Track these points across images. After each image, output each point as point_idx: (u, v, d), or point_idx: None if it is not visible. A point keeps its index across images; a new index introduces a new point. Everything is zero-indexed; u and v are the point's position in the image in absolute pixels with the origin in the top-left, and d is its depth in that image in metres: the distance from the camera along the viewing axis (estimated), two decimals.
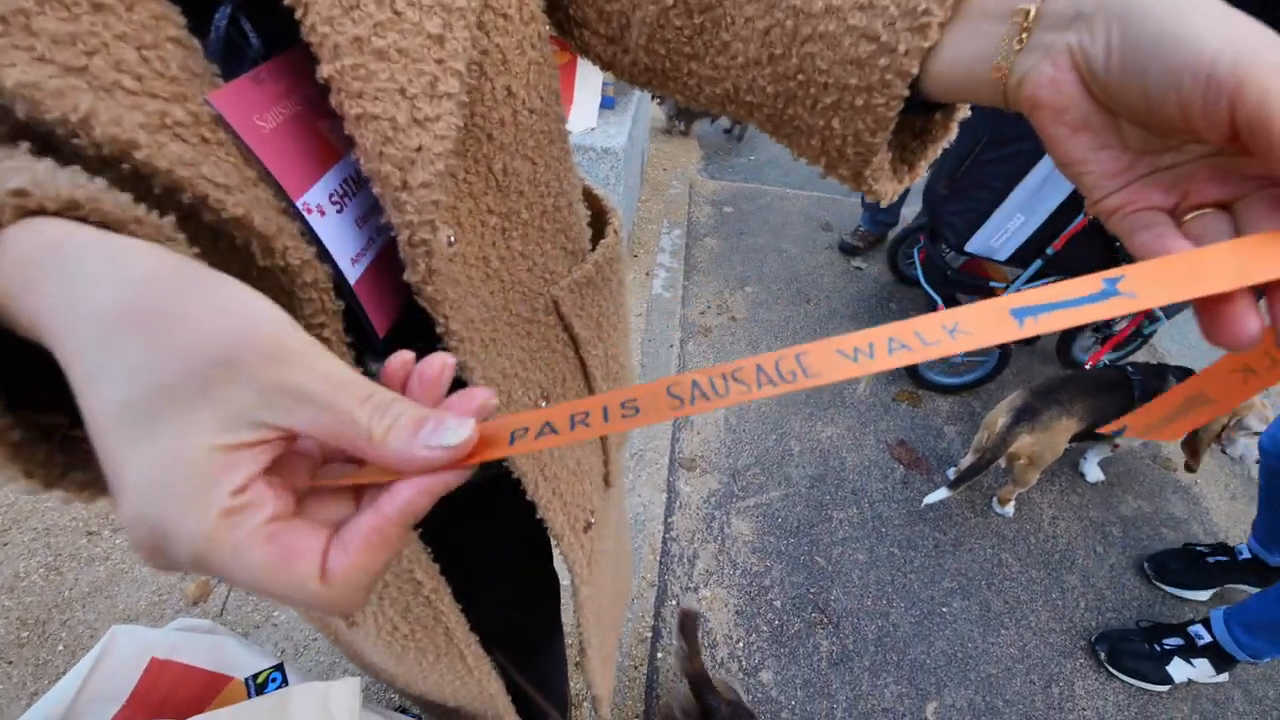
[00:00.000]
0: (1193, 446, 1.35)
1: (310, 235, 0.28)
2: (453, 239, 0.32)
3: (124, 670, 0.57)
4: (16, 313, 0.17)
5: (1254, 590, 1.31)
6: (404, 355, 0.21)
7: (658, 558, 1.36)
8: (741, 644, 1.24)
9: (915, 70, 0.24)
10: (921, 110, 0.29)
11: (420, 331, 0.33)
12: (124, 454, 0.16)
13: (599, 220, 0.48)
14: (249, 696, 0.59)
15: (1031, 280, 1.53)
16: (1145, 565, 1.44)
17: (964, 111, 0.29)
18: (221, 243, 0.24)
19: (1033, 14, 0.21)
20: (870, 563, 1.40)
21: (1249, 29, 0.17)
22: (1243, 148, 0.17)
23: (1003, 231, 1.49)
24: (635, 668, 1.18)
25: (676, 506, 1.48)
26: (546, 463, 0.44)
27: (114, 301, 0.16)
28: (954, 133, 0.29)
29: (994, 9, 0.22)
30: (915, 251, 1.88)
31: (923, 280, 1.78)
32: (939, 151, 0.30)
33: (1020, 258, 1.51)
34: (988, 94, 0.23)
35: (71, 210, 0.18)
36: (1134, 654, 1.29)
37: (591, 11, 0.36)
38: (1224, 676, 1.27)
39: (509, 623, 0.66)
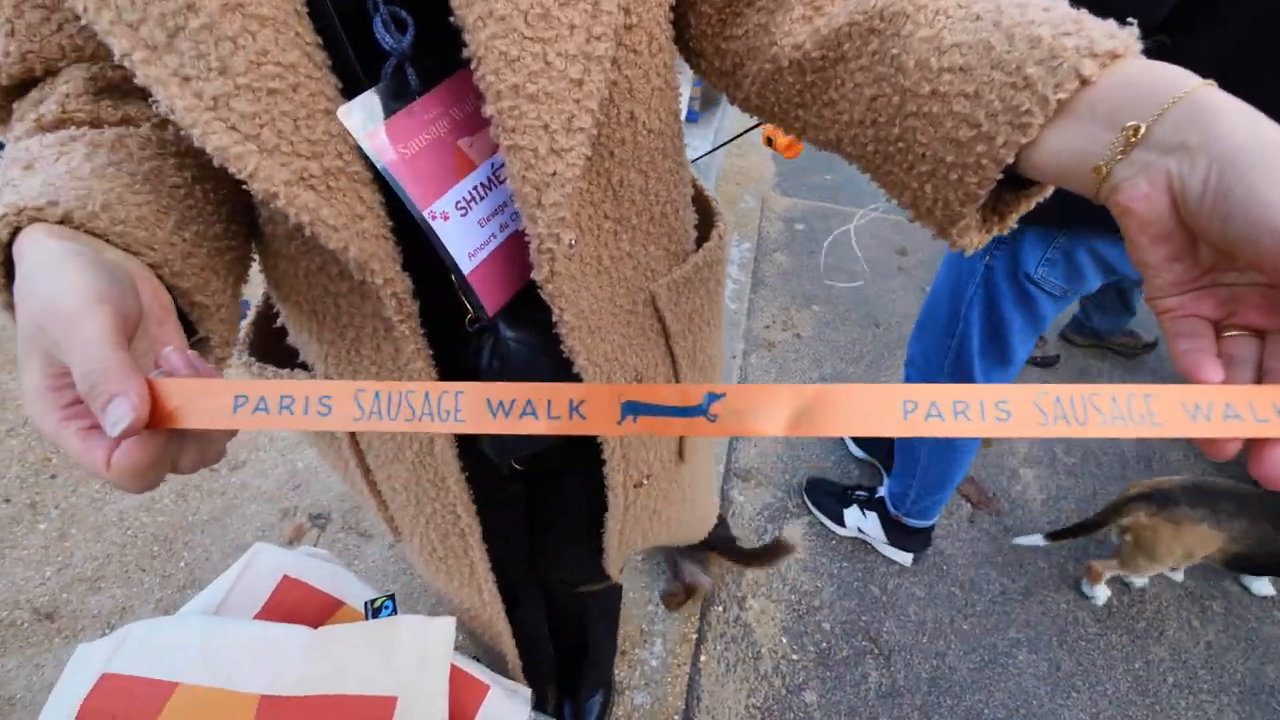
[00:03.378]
0: None
1: (432, 239, 0.35)
2: (573, 241, 0.37)
3: (261, 583, 0.67)
4: None
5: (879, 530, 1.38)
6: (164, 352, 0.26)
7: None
8: (786, 660, 1.24)
9: (1010, 160, 0.25)
10: (1013, 183, 0.29)
11: (529, 298, 0.40)
12: (19, 375, 0.25)
13: (706, 223, 0.53)
14: (365, 618, 0.68)
15: None
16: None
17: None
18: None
19: (1142, 131, 0.22)
20: (928, 599, 1.35)
21: None
22: None
23: None
24: (679, 665, 1.20)
25: (730, 515, 1.49)
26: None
27: (16, 289, 0.25)
28: (1047, 193, 0.30)
29: (1104, 115, 0.23)
30: None
31: None
32: (1033, 205, 0.30)
33: None
34: (1079, 186, 0.24)
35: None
36: (828, 490, 1.47)
37: (709, 46, 0.40)
38: (898, 554, 1.37)
39: (576, 566, 0.73)
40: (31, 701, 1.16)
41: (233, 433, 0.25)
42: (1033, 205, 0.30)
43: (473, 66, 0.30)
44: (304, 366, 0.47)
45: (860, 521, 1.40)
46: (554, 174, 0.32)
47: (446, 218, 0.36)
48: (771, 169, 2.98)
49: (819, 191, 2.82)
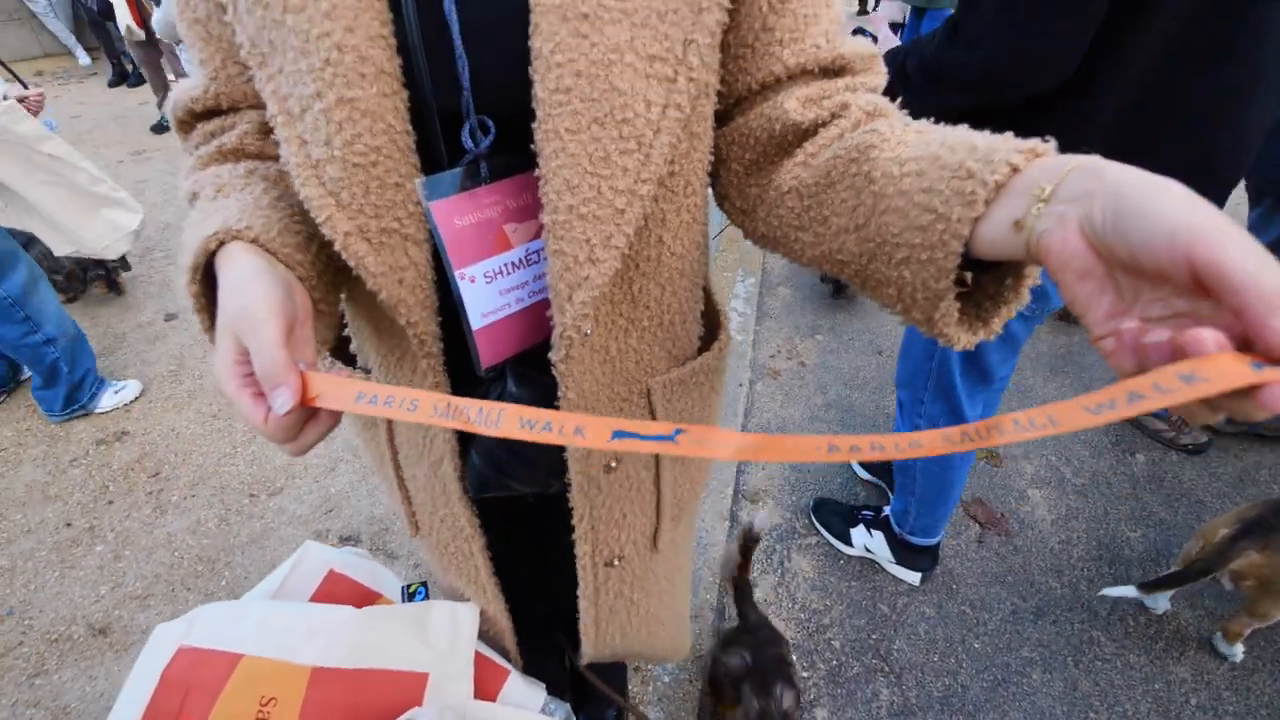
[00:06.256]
0: None
1: (455, 294, 0.43)
2: (589, 331, 0.44)
3: (310, 576, 0.74)
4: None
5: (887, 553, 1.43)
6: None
7: (717, 581, 1.42)
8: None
9: (966, 233, 0.30)
10: (983, 267, 0.34)
11: (535, 364, 0.46)
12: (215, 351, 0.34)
13: (711, 335, 0.58)
14: (401, 602, 0.75)
15: None
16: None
17: (1034, 280, 0.33)
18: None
19: (1048, 191, 0.27)
20: (939, 618, 1.36)
21: (1200, 204, 0.23)
22: (1199, 293, 0.23)
23: None
24: (691, 681, 1.23)
25: (737, 535, 1.53)
26: (596, 507, 0.55)
27: (222, 287, 0.34)
28: (1025, 299, 0.34)
29: (1023, 190, 0.28)
30: None
31: None
32: (1013, 313, 0.34)
33: None
34: (1014, 248, 0.29)
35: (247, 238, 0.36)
36: (834, 510, 1.52)
37: (733, 191, 0.47)
38: (905, 573, 1.41)
39: (573, 611, 0.76)
40: (85, 711, 1.24)
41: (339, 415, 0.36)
42: (1013, 312, 0.34)
43: (540, 183, 0.38)
44: (365, 370, 0.55)
45: (867, 541, 1.43)
46: (586, 278, 0.39)
47: (474, 280, 0.43)
48: None
49: None
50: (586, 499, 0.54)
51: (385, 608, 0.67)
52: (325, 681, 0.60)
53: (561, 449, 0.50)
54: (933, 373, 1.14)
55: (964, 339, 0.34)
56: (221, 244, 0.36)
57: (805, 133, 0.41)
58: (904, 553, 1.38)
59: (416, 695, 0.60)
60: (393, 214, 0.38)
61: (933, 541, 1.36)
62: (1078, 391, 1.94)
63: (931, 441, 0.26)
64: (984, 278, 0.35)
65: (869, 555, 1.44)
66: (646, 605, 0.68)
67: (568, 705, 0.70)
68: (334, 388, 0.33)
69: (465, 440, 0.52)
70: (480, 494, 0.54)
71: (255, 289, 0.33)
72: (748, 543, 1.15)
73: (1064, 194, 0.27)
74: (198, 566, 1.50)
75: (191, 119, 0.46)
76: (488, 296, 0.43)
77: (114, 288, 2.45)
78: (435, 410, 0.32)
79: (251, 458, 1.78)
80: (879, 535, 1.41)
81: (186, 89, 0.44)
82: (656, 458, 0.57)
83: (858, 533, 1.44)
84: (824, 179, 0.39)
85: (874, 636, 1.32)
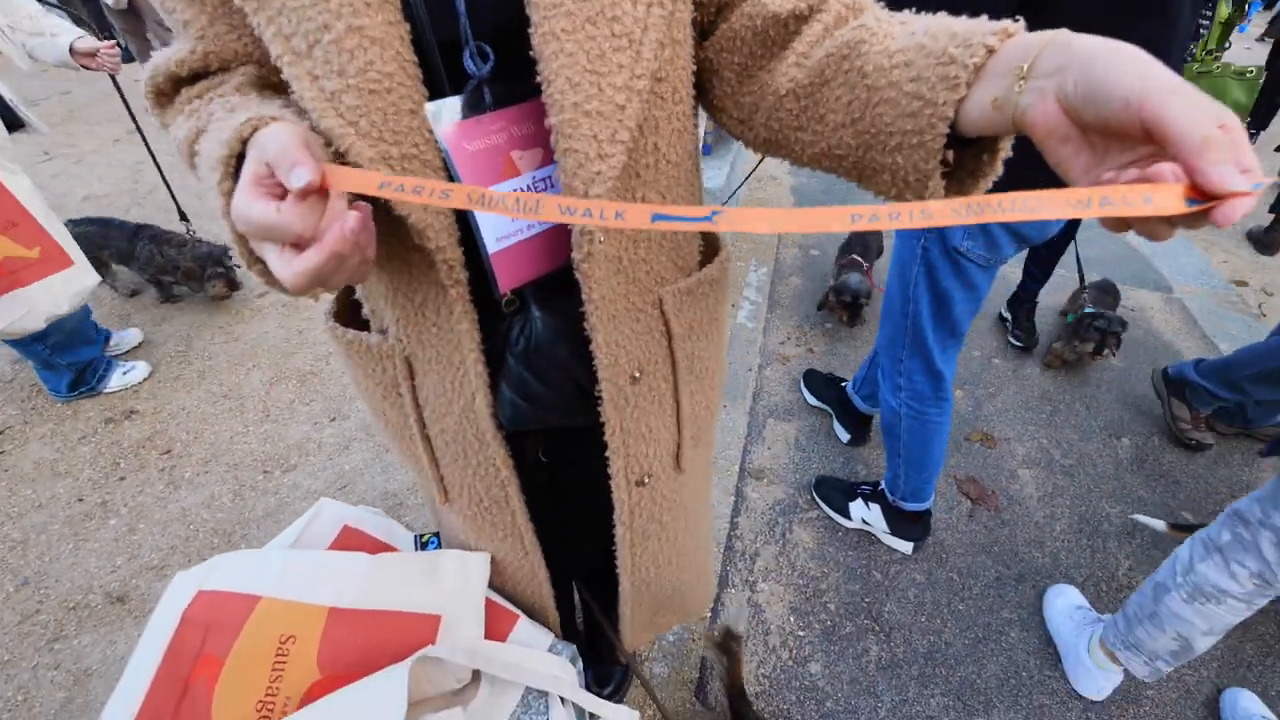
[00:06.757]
0: None
1: (471, 218, 0.43)
2: (601, 239, 0.46)
3: (325, 531, 0.77)
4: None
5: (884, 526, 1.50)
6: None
7: (721, 550, 1.49)
8: (793, 636, 1.33)
9: (951, 114, 0.33)
10: (963, 145, 0.37)
11: (555, 290, 0.48)
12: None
13: (712, 251, 0.62)
14: (415, 550, 0.78)
15: None
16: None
17: (1006, 152, 0.36)
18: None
19: (1027, 68, 0.30)
20: (928, 583, 1.44)
21: (1152, 68, 0.26)
22: (1152, 143, 0.26)
23: None
24: (694, 640, 1.30)
25: (743, 509, 1.60)
26: (626, 419, 0.57)
27: (261, 138, 0.33)
28: (999, 171, 0.37)
29: (1002, 70, 0.32)
30: None
31: None
32: (989, 185, 0.37)
33: None
34: (999, 124, 0.32)
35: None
36: (835, 486, 1.59)
37: (729, 102, 0.49)
38: (899, 543, 1.48)
39: (591, 562, 0.80)
40: (106, 673, 1.28)
41: (369, 259, 0.35)
42: (989, 182, 0.37)
43: (544, 87, 0.39)
44: (382, 332, 0.54)
45: (864, 513, 1.51)
46: (598, 173, 0.41)
47: None
48: (790, 200, 3.19)
49: None
50: (617, 411, 0.55)
51: (399, 555, 0.70)
52: (342, 621, 0.62)
53: (591, 370, 0.52)
54: (908, 330, 1.21)
55: None
56: (255, 130, 0.34)
57: (785, 24, 0.44)
58: (898, 522, 1.46)
59: (429, 635, 0.62)
60: (410, 140, 0.39)
61: (923, 507, 1.43)
62: (1073, 383, 2.04)
63: (941, 211, 0.28)
64: (964, 155, 0.39)
65: (866, 527, 1.52)
66: (674, 529, 0.70)
67: (574, 646, 0.72)
68: (357, 176, 0.32)
69: (494, 375, 0.53)
70: (514, 427, 0.56)
71: (282, 126, 0.34)
72: (728, 643, 1.05)
73: (1040, 70, 0.30)
74: (214, 539, 1.54)
75: (174, 87, 0.44)
76: (500, 220, 0.45)
77: (233, 285, 2.25)
78: (469, 198, 0.31)
79: (264, 436, 1.81)
80: (875, 507, 1.48)
81: (168, 55, 0.43)
82: (674, 364, 0.59)
83: (856, 505, 1.52)
84: (819, 78, 0.41)
85: (867, 600, 1.40)
